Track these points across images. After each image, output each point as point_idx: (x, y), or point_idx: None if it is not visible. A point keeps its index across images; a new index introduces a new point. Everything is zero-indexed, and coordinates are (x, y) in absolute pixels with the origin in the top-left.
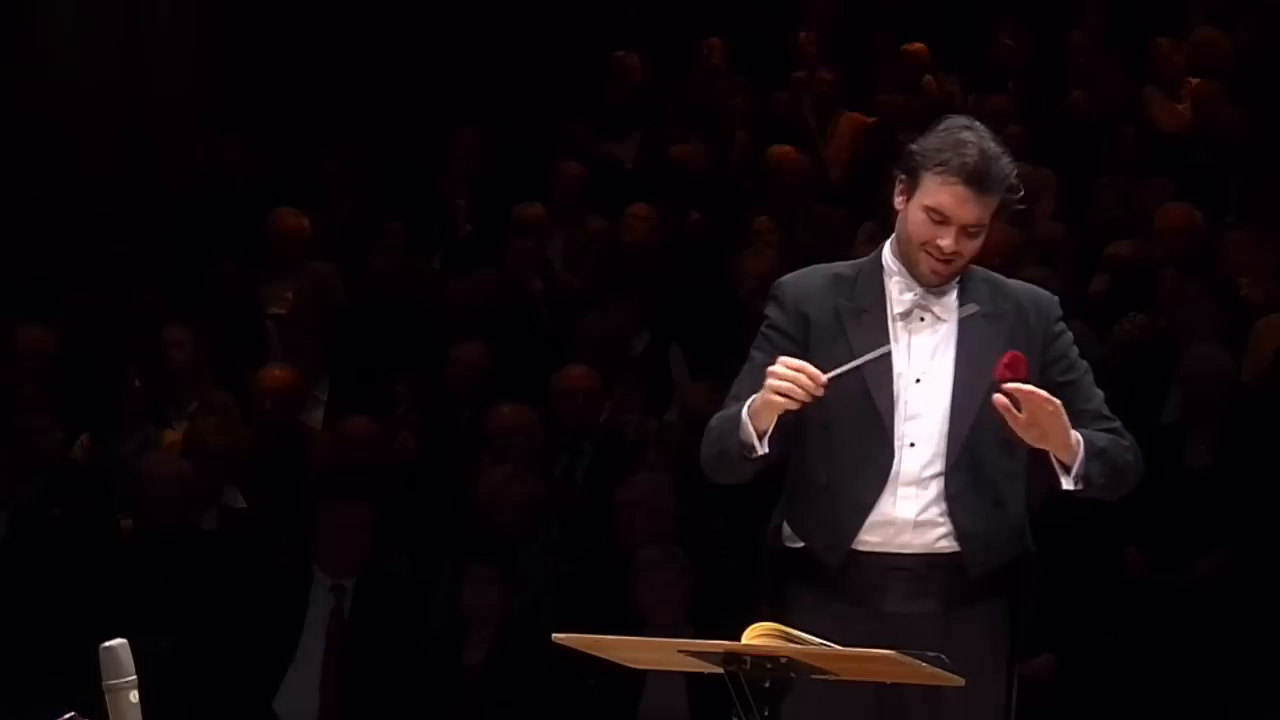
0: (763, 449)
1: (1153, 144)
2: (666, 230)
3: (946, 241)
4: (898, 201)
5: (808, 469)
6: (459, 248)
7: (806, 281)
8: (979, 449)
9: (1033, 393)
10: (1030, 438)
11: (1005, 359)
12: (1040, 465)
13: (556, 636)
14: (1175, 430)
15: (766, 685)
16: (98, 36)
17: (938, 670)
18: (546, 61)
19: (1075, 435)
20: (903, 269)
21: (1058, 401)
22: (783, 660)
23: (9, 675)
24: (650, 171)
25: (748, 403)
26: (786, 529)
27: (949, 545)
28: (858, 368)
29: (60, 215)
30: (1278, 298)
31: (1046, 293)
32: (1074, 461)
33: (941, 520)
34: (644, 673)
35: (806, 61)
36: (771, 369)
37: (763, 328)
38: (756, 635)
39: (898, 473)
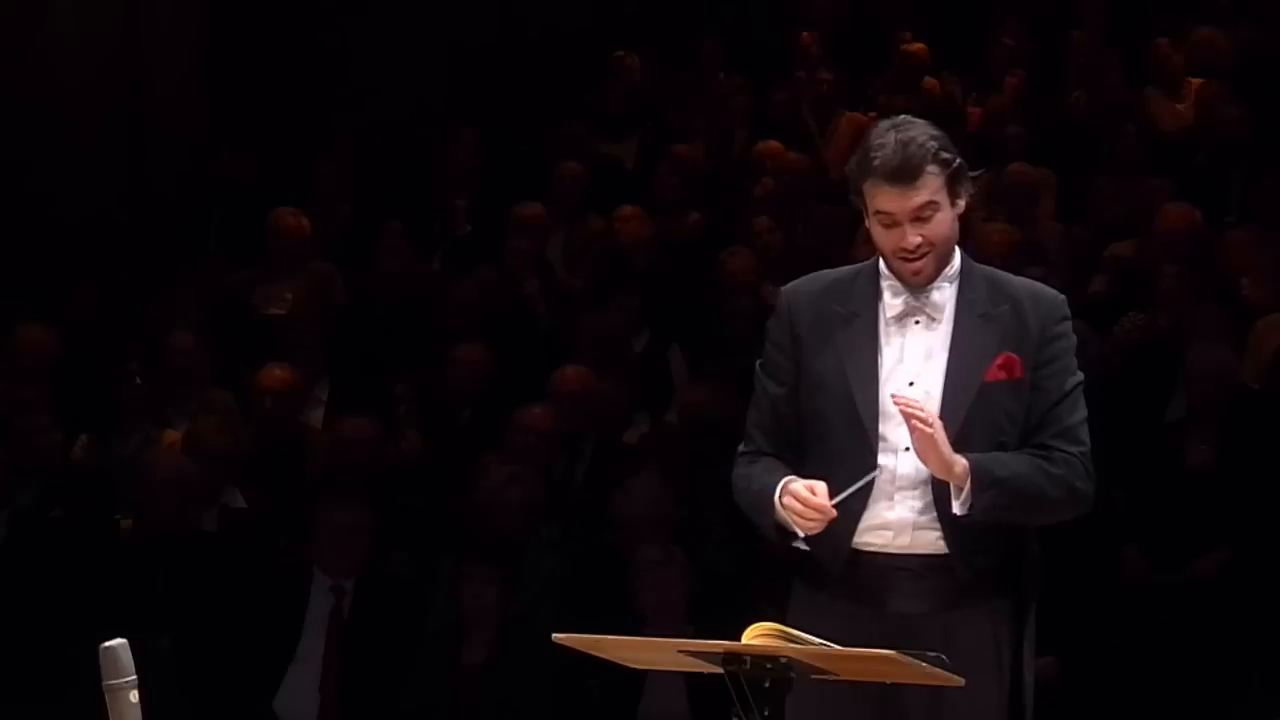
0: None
1: (1153, 144)
2: (666, 230)
3: (905, 239)
4: (867, 221)
5: (808, 479)
6: (459, 248)
7: (804, 289)
8: (968, 450)
9: (909, 414)
10: (916, 454)
11: (998, 360)
12: None
13: (556, 636)
14: (1176, 430)
15: (766, 685)
16: (98, 37)
17: (938, 670)
18: (546, 61)
19: (963, 463)
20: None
21: (931, 428)
22: (783, 660)
23: (9, 675)
24: (650, 171)
25: (778, 493)
26: None
27: (944, 547)
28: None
29: (60, 215)
30: (1278, 298)
31: (1053, 292)
32: (962, 486)
33: (935, 523)
34: (644, 673)
35: (806, 61)
36: (787, 504)
37: (765, 343)
38: (756, 635)
39: (895, 476)
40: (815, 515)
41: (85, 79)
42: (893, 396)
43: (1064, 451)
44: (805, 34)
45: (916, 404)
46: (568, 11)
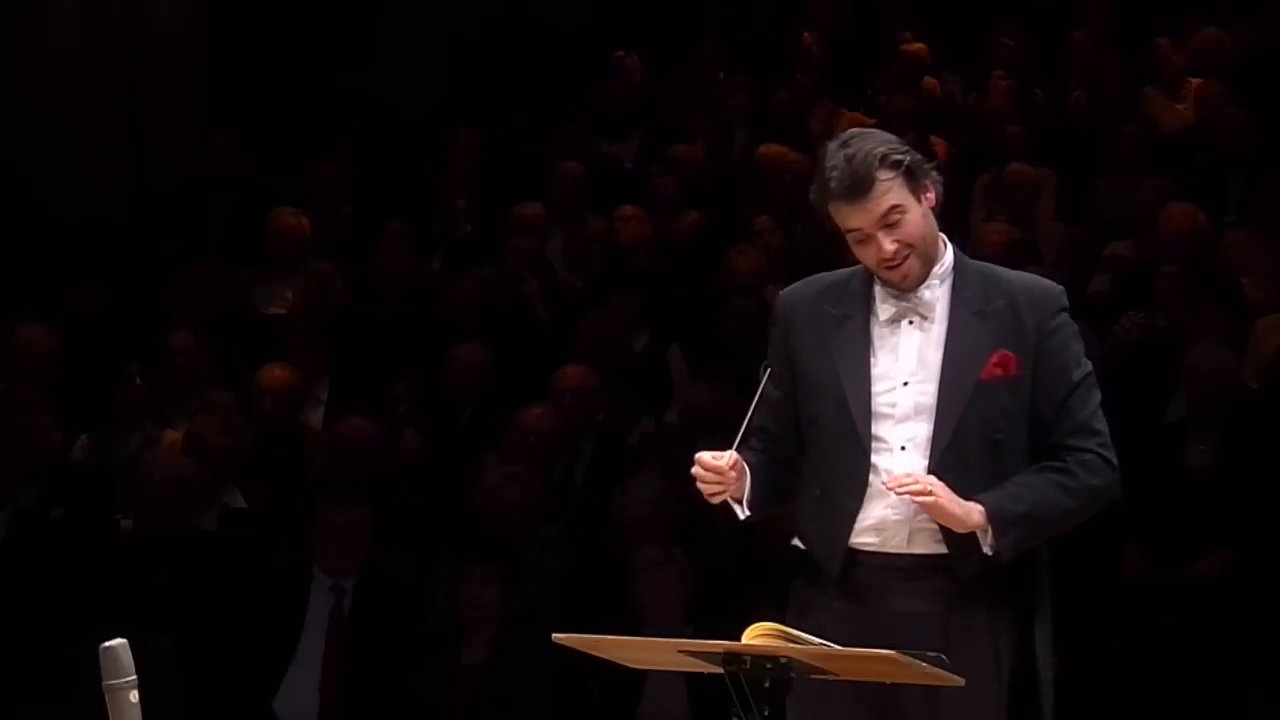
0: (743, 513)
1: (1153, 144)
2: (666, 230)
3: (882, 250)
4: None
5: (807, 480)
6: (459, 248)
7: (800, 293)
8: (964, 449)
9: (903, 494)
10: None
11: (994, 358)
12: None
13: (556, 636)
14: (1176, 430)
15: (766, 685)
16: (98, 36)
17: (938, 670)
18: (546, 61)
19: (979, 509)
20: None
21: (932, 495)
22: (783, 660)
23: (9, 675)
24: (650, 171)
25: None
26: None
27: (941, 547)
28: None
29: (60, 215)
30: (1278, 298)
31: (1049, 284)
32: (983, 537)
33: (931, 523)
34: (644, 673)
35: (807, 61)
36: (694, 473)
37: (768, 350)
38: (756, 635)
39: (891, 476)
40: (713, 477)
41: (85, 79)
42: (884, 483)
43: (1078, 451)
44: (805, 34)
45: (907, 480)
46: (568, 11)
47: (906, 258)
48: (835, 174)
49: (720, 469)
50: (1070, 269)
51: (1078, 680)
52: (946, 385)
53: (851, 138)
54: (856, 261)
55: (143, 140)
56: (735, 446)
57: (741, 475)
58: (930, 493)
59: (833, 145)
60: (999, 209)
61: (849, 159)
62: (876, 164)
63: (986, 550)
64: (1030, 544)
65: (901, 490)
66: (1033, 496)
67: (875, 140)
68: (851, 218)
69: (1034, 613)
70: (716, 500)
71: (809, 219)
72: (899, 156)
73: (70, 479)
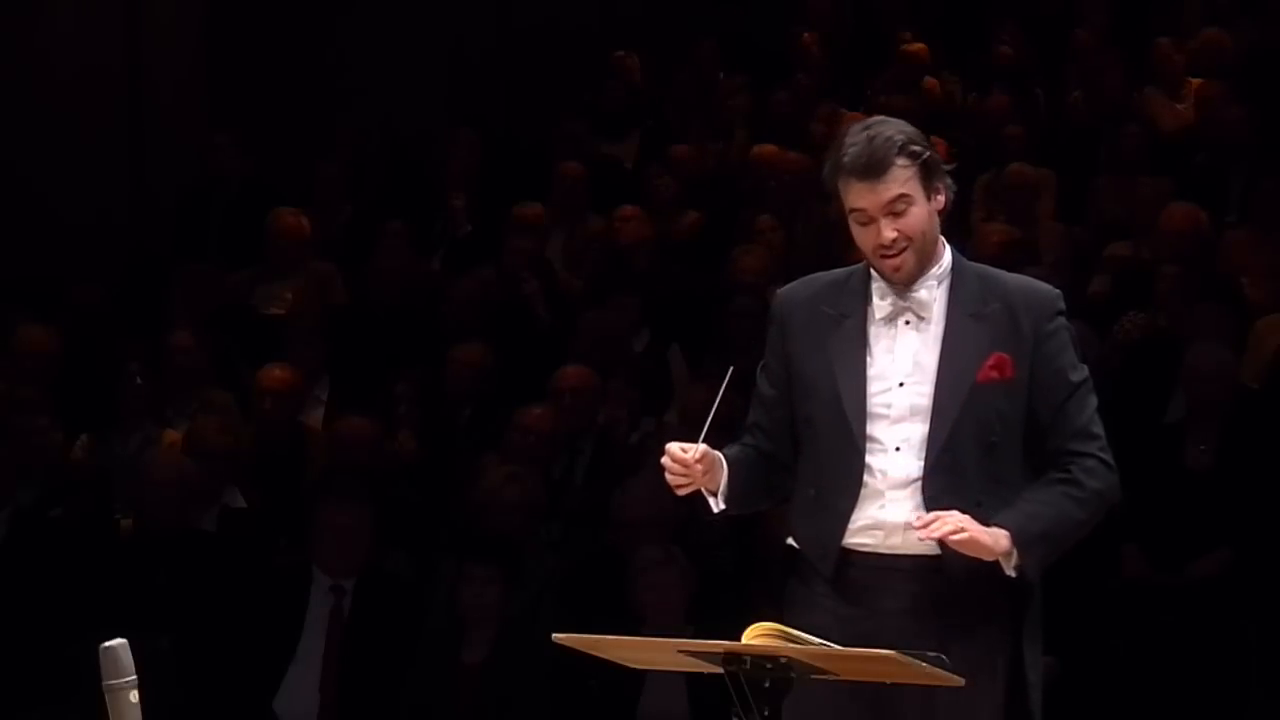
0: (718, 505)
1: (1153, 144)
2: (666, 230)
3: (881, 235)
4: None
5: (802, 481)
6: (459, 248)
7: (796, 293)
8: (959, 451)
9: (931, 537)
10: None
11: (990, 361)
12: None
13: (556, 636)
14: (1176, 430)
15: (766, 685)
16: (98, 36)
17: (937, 670)
18: (546, 61)
19: (1005, 534)
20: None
21: (964, 529)
22: (783, 660)
23: (9, 675)
24: (650, 171)
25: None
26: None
27: (935, 548)
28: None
29: (60, 215)
30: (1278, 298)
31: (1046, 287)
32: (1007, 560)
33: None
34: (644, 673)
35: (807, 61)
36: (663, 463)
37: (766, 350)
38: (756, 635)
39: (886, 477)
40: (680, 469)
41: (85, 79)
42: (913, 526)
43: (1080, 456)
44: (805, 34)
45: (934, 519)
46: (567, 12)
47: (904, 249)
48: (853, 150)
49: (686, 461)
50: (1070, 269)
51: (1078, 680)
52: (942, 387)
53: (876, 122)
54: (856, 262)
55: (143, 140)
56: (702, 438)
57: (715, 469)
58: (963, 529)
59: (856, 126)
60: (999, 209)
61: (870, 139)
62: (895, 150)
63: (1010, 572)
64: (1050, 559)
65: (933, 534)
66: (1049, 513)
67: (899, 129)
68: (859, 197)
69: (1024, 614)
70: (683, 493)
71: (809, 219)
72: (919, 148)
73: (70, 479)
